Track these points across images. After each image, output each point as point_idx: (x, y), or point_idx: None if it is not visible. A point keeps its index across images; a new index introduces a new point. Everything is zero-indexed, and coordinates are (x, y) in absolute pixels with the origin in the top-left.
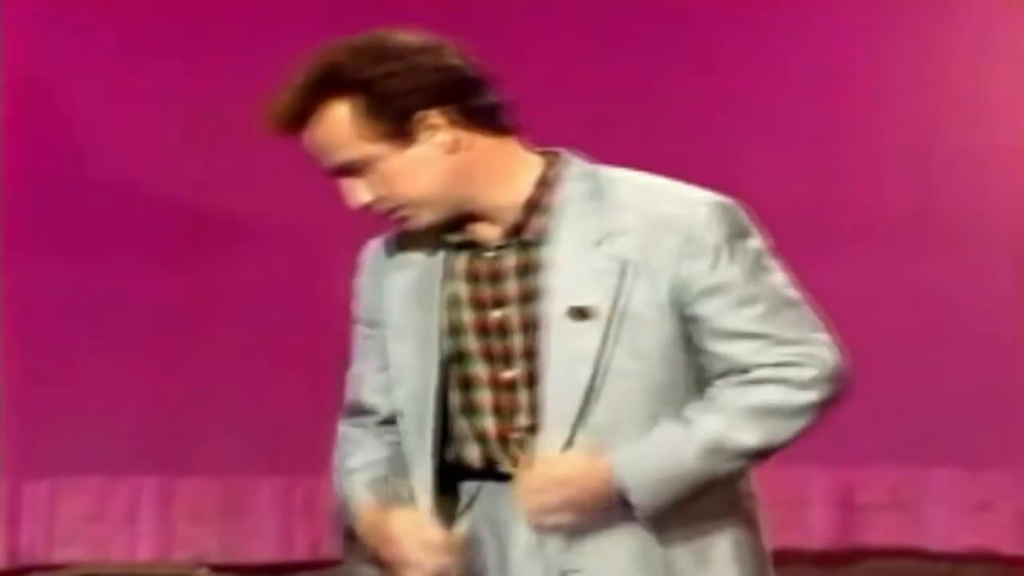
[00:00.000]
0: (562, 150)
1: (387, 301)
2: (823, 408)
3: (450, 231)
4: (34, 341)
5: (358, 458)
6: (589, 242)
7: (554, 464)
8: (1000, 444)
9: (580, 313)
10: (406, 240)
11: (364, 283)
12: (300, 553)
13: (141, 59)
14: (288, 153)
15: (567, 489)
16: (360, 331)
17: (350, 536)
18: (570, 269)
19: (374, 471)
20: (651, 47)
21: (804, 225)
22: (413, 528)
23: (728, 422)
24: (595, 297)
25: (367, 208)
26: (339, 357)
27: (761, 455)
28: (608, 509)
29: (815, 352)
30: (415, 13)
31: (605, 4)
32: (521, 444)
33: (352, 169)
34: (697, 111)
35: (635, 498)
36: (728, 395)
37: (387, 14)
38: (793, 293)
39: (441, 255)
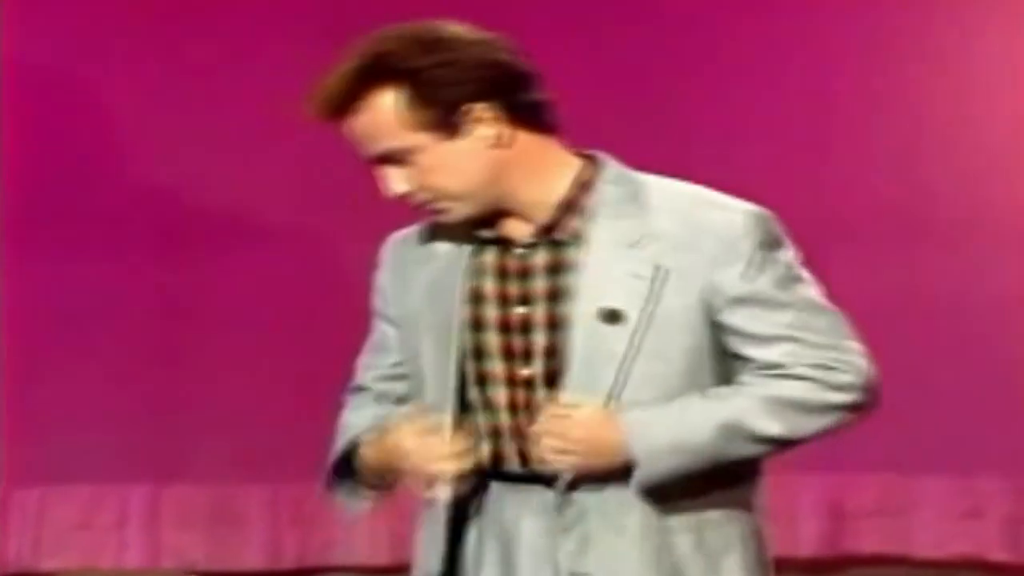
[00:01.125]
0: (599, 152)
1: (410, 296)
2: (851, 412)
3: (480, 226)
4: (21, 349)
5: (357, 414)
6: (623, 244)
7: (575, 406)
8: (988, 451)
9: (610, 315)
10: (429, 235)
11: (385, 277)
12: (288, 561)
13: (142, 51)
14: (288, 151)
15: (582, 429)
16: (378, 325)
17: (341, 469)
18: (602, 270)
19: (375, 421)
20: (645, 46)
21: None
22: (420, 434)
23: (751, 405)
24: (625, 300)
25: (402, 198)
26: (329, 365)
27: (778, 444)
28: (613, 466)
29: (850, 359)
30: (411, 12)
31: (602, 4)
32: (535, 442)
33: (392, 158)
34: (693, 111)
35: (640, 458)
36: (757, 383)
37: (382, 14)
38: (825, 302)
39: (466, 250)
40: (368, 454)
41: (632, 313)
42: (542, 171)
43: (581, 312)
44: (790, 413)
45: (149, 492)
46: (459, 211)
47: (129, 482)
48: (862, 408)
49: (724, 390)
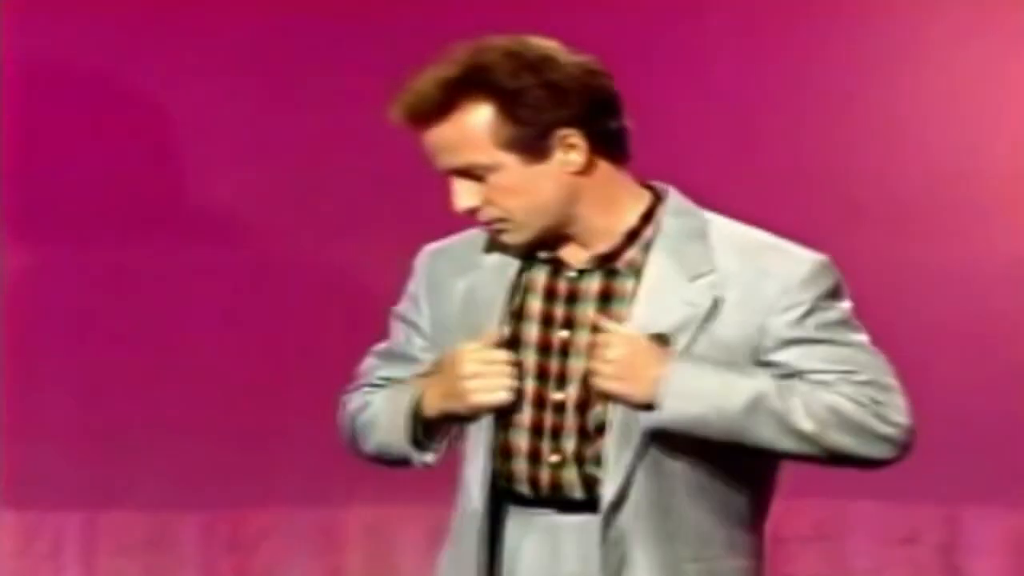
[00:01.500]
0: (660, 183)
1: (447, 307)
2: (892, 448)
3: (536, 247)
4: None
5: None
6: (683, 276)
7: (627, 332)
8: (923, 476)
9: (658, 340)
10: (475, 245)
11: (419, 288)
12: None
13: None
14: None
15: (626, 348)
16: (403, 333)
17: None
18: (656, 300)
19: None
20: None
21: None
22: (475, 351)
23: (796, 397)
24: (676, 325)
25: (470, 213)
26: (265, 391)
27: (804, 443)
28: (644, 399)
29: (899, 402)
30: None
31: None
32: (558, 467)
33: (471, 173)
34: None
35: (666, 397)
36: (812, 386)
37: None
38: (876, 349)
39: (514, 265)
40: (429, 394)
41: (681, 339)
42: (615, 202)
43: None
44: (830, 419)
45: (86, 518)
46: (524, 235)
47: (66, 509)
48: (900, 451)
49: (779, 379)
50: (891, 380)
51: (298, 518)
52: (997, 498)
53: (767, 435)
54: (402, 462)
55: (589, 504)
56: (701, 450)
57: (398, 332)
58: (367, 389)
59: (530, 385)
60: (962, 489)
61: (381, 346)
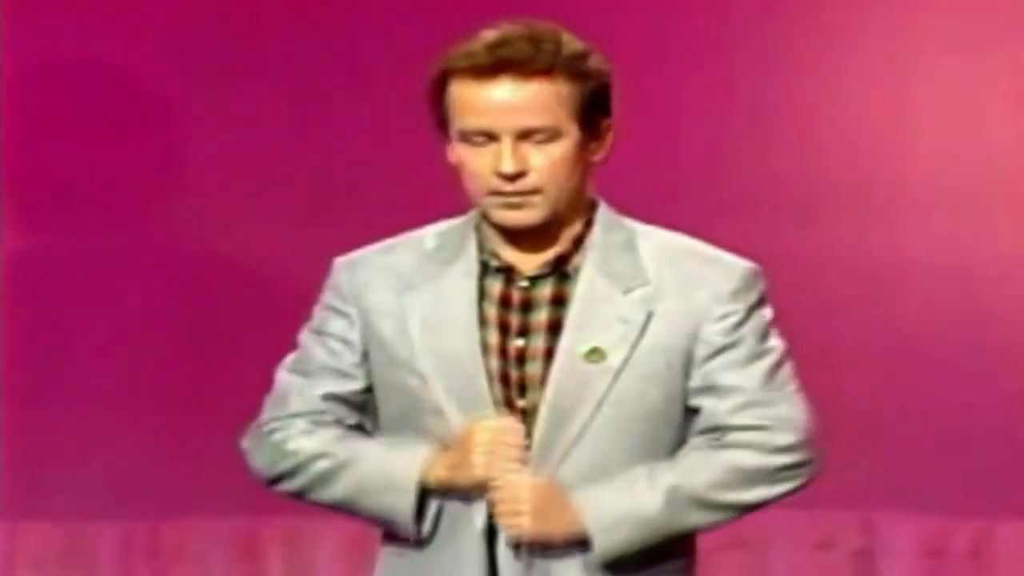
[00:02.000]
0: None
1: (384, 324)
2: (798, 469)
3: (486, 252)
4: None
5: (367, 446)
6: (617, 288)
7: (526, 478)
8: (839, 482)
9: (595, 354)
10: (403, 261)
11: (345, 304)
12: None
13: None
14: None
15: (534, 494)
16: (334, 349)
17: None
18: (591, 308)
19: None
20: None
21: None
22: (490, 428)
23: (698, 474)
24: (611, 340)
25: (512, 179)
26: (187, 400)
27: (730, 511)
28: (569, 537)
29: (791, 416)
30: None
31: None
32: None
33: (535, 136)
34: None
35: (593, 531)
36: (703, 451)
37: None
38: (783, 357)
39: (473, 279)
40: (435, 468)
41: (615, 356)
42: (580, 205)
43: (565, 347)
44: (737, 480)
45: (3, 530)
46: (543, 212)
47: None
48: (808, 464)
49: (670, 461)
50: (786, 389)
51: (217, 528)
52: (911, 502)
53: (694, 520)
54: (375, 522)
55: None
56: (630, 466)
57: (318, 348)
58: (308, 418)
59: (499, 391)
60: (877, 494)
61: (295, 363)
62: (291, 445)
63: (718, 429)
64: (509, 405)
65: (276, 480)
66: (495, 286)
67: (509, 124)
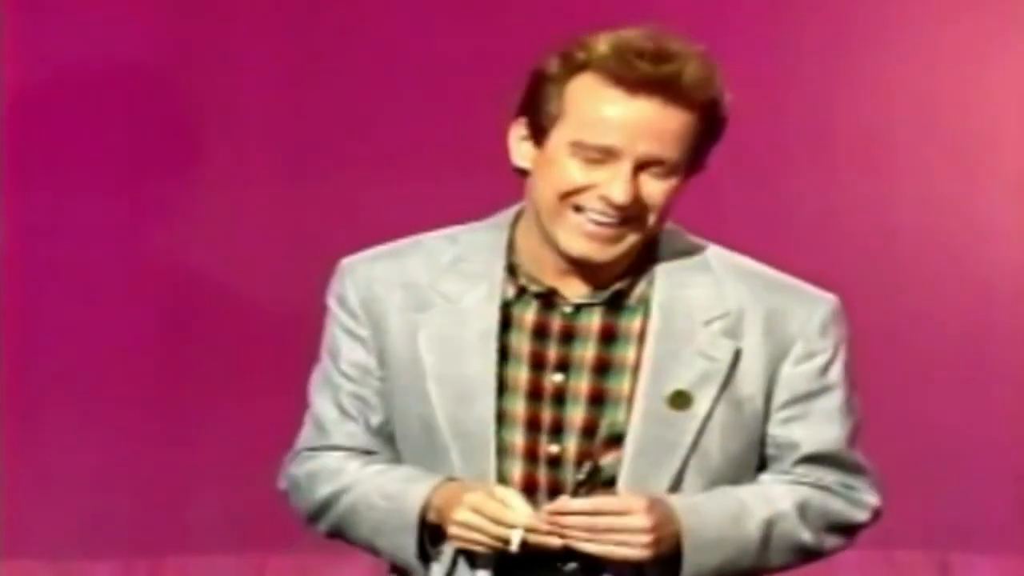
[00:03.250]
0: None
1: (389, 340)
2: (868, 527)
3: (521, 276)
4: None
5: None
6: (697, 320)
7: (640, 497)
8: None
9: (681, 398)
10: (415, 274)
11: (360, 324)
12: None
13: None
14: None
15: (649, 520)
16: (356, 377)
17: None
18: (669, 348)
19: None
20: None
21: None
22: (479, 501)
23: (788, 509)
24: (696, 383)
25: (619, 209)
26: (183, 432)
27: (804, 555)
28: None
29: (869, 479)
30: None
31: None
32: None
33: (654, 167)
34: None
35: (689, 551)
36: (793, 488)
37: None
38: (857, 406)
39: (496, 303)
40: (442, 507)
41: (702, 399)
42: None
43: (644, 392)
44: (820, 523)
45: None
46: (626, 248)
47: None
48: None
49: (758, 489)
50: (858, 449)
51: (221, 564)
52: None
53: (778, 560)
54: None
55: (589, 570)
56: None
57: (339, 377)
58: (343, 454)
59: (519, 437)
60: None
61: (321, 389)
62: (317, 486)
63: (805, 471)
64: (531, 454)
65: (310, 517)
66: (527, 313)
67: (641, 149)
